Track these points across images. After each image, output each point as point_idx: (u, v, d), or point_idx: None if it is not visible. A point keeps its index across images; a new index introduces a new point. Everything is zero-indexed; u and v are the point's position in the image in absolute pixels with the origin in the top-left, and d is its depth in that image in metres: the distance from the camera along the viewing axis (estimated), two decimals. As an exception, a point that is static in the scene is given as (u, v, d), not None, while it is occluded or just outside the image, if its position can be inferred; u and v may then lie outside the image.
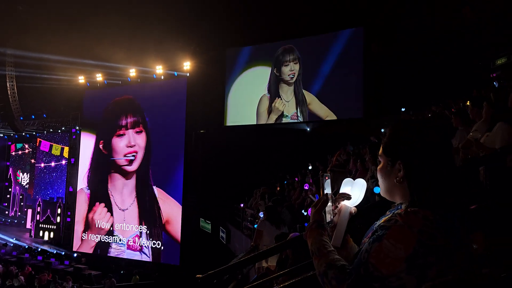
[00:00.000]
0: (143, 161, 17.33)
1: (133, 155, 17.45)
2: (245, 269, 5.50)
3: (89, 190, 18.64)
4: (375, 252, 1.13)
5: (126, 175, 17.62)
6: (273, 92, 15.26)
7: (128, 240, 17.35)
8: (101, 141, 18.41)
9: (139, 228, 17.17)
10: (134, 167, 17.50)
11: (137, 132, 17.59)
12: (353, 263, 1.20)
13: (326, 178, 1.47)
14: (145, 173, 17.23)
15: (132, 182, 17.48)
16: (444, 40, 11.96)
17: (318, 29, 14.70)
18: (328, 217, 1.43)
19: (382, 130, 9.91)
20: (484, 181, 3.45)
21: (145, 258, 17.00)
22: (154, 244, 16.81)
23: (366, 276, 1.13)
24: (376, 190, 6.99)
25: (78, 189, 19.11)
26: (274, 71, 15.25)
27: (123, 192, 17.64)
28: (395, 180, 1.26)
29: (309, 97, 14.59)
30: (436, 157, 1.21)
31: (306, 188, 8.92)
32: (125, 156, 17.57)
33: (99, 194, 18.20)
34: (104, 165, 18.16)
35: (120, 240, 17.53)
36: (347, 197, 1.44)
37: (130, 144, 17.55)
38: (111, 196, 17.86)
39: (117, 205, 17.69)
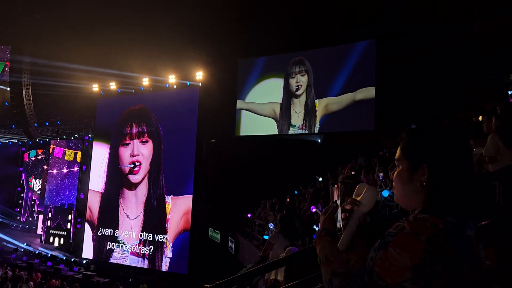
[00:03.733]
0: (154, 170, 17.39)
1: (133, 164, 17.58)
2: (254, 280, 5.45)
3: (102, 197, 18.77)
4: (380, 260, 1.09)
5: (130, 186, 17.75)
6: (285, 103, 15.27)
7: (132, 246, 17.43)
8: (111, 150, 18.65)
9: (144, 235, 17.23)
10: (138, 178, 17.62)
11: (142, 142, 17.73)
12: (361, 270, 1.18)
13: (336, 186, 1.47)
14: (158, 182, 17.27)
15: (143, 191, 17.54)
16: (457, 52, 11.89)
17: (332, 41, 14.72)
18: (338, 226, 1.42)
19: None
20: (498, 195, 3.40)
21: (147, 265, 17.06)
22: (157, 252, 16.82)
23: (370, 284, 1.10)
24: (385, 193, 6.96)
25: (90, 195, 19.21)
26: (285, 83, 15.29)
27: (133, 201, 17.73)
28: (418, 185, 1.19)
29: (324, 102, 14.46)
30: (460, 162, 1.17)
31: (313, 210, 8.69)
32: (128, 164, 17.78)
33: (111, 202, 18.30)
34: (117, 175, 18.31)
35: (124, 247, 17.62)
36: (357, 204, 1.43)
37: (133, 154, 17.72)
38: (120, 205, 17.96)
39: (125, 214, 17.78)
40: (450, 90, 11.56)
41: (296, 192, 12.22)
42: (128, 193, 17.85)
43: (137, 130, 17.96)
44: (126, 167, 17.83)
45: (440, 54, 12.19)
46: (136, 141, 17.87)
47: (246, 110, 15.95)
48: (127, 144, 18.00)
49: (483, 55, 11.21)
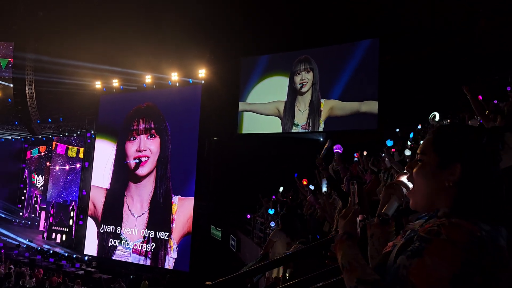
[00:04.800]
0: (161, 168, 17.41)
1: (139, 159, 17.59)
2: (255, 278, 5.49)
3: (107, 193, 18.81)
4: (416, 270, 1.00)
5: (136, 179, 17.73)
6: (290, 101, 15.27)
7: (135, 244, 17.47)
8: (118, 147, 18.67)
9: (147, 233, 17.26)
10: (144, 171, 17.60)
11: (149, 137, 17.74)
12: (378, 268, 1.13)
13: (356, 185, 1.40)
14: (164, 181, 17.29)
15: (149, 189, 17.56)
16: (457, 52, 11.89)
17: (335, 39, 14.71)
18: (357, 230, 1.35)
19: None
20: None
21: (149, 263, 17.10)
22: (160, 250, 16.87)
23: None
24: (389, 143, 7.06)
25: (95, 191, 19.20)
26: (290, 81, 15.29)
27: (139, 199, 17.71)
28: (445, 184, 1.11)
29: (330, 104, 14.46)
30: (495, 166, 1.10)
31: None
32: (134, 159, 17.77)
33: (116, 199, 18.33)
34: (123, 171, 18.32)
35: (127, 244, 17.67)
36: (401, 191, 1.37)
37: (139, 149, 17.72)
38: (125, 203, 18.00)
39: (130, 211, 17.80)
40: (450, 90, 11.55)
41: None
42: (133, 191, 17.84)
43: (144, 126, 17.94)
44: (132, 163, 17.84)
45: (440, 54, 12.19)
46: (143, 136, 17.84)
47: (249, 111, 15.99)
48: (134, 139, 17.98)
49: (483, 55, 11.21)
